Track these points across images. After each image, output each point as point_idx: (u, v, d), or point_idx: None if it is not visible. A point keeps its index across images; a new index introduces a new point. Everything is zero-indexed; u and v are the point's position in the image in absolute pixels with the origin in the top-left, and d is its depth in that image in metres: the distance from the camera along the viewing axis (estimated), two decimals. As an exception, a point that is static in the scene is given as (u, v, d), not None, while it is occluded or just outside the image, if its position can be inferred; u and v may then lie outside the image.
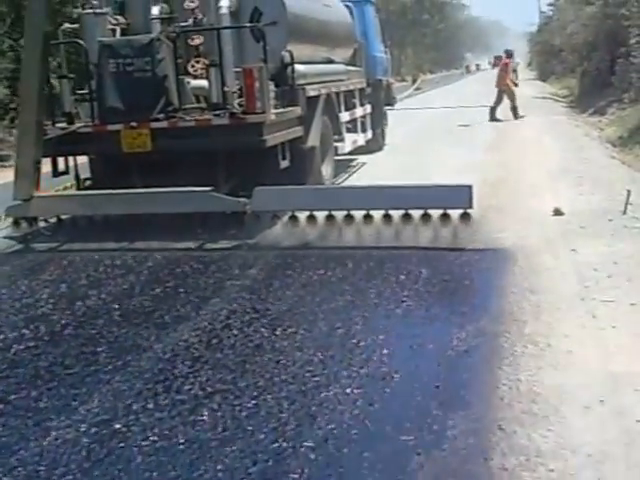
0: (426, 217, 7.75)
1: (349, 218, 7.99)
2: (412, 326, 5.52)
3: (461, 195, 7.54)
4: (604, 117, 21.69)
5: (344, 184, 11.47)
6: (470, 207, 7.57)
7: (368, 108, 13.97)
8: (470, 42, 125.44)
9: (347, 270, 6.85)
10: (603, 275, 6.24)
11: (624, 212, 8.46)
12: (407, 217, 7.80)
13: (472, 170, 11.15)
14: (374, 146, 14.87)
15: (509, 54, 25.05)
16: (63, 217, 8.95)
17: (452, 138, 17.13)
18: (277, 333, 5.28)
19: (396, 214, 7.84)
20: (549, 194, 9.84)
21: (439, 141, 16.48)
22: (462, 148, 14.70)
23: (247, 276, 6.86)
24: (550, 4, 52.90)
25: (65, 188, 9.90)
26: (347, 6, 13.79)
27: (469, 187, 7.52)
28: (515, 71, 56.56)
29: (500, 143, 16.43)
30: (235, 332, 5.34)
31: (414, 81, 48.04)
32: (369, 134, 14.13)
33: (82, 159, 9.64)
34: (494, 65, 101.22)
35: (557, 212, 8.55)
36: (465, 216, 7.65)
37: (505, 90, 22.21)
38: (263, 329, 5.36)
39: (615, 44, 24.95)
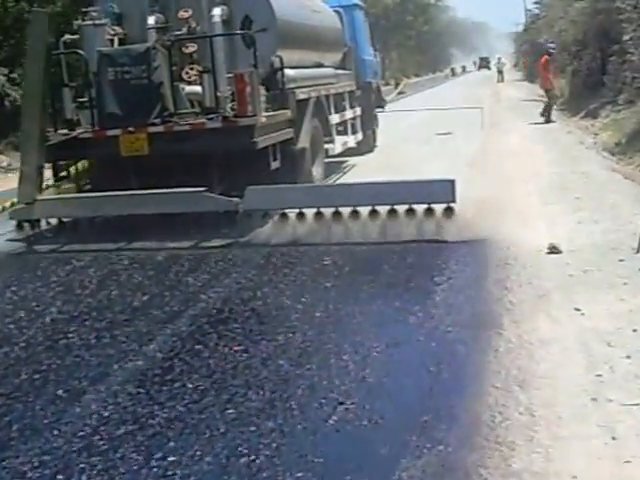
0: (411, 212, 8.16)
1: (337, 215, 8.40)
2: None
3: (444, 189, 7.96)
4: (597, 120, 19.94)
5: (331, 182, 11.80)
6: (453, 201, 7.98)
7: (358, 110, 14.34)
8: (455, 44, 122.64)
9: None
10: (621, 354, 4.60)
11: (638, 250, 6.66)
12: (393, 212, 8.22)
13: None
14: (365, 148, 15.18)
15: (549, 52, 23.44)
16: (64, 219, 9.34)
17: (431, 150, 14.99)
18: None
19: (382, 209, 8.25)
20: (542, 222, 8.24)
21: (416, 154, 14.15)
22: (441, 162, 12.45)
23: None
24: (536, 2, 51.28)
25: (56, 186, 10.15)
26: (337, 11, 14.17)
27: (451, 182, 7.94)
28: (501, 72, 53.97)
29: (484, 155, 14.26)
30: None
31: (397, 85, 47.10)
32: (359, 136, 14.50)
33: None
34: (480, 67, 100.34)
35: (553, 249, 6.94)
36: (448, 210, 8.05)
37: (549, 89, 21.58)
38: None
39: (607, 41, 23.12)
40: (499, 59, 61.33)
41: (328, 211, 8.43)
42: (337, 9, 14.32)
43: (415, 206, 8.17)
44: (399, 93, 40.48)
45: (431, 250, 7.56)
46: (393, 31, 70.13)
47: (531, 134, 17.45)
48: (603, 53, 24.09)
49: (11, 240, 9.00)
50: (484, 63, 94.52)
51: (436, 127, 18.78)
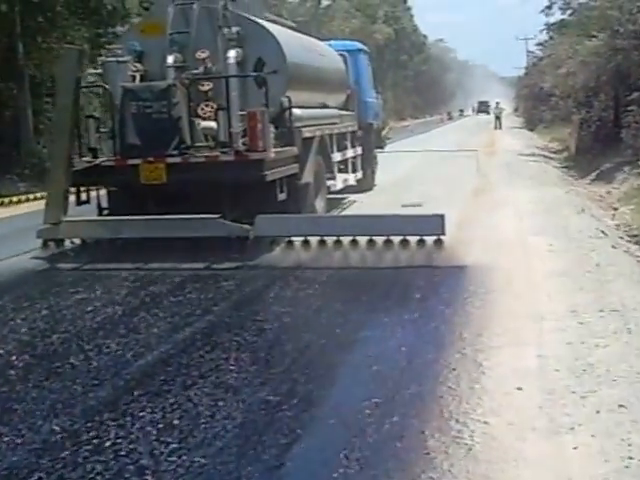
0: (405, 242, 8.93)
1: (338, 243, 9.16)
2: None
3: (434, 224, 8.73)
4: (613, 186, 16.16)
5: (334, 214, 12.55)
6: (443, 234, 8.73)
7: (359, 150, 15.15)
8: (454, 87, 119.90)
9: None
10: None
11: None
12: (389, 242, 8.99)
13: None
14: (365, 186, 15.91)
15: None
16: (87, 240, 10.07)
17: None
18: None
19: (379, 240, 9.03)
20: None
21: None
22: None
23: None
24: (539, 44, 47.57)
25: None
26: (342, 55, 15.02)
27: (441, 216, 8.70)
28: (498, 118, 51.11)
29: (451, 257, 8.76)
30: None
31: (382, 129, 42.74)
32: (359, 174, 15.28)
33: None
34: (478, 111, 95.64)
35: None
36: (438, 241, 8.81)
37: None
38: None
39: (624, 87, 20.21)
40: (497, 104, 58.17)
41: (330, 239, 9.19)
42: (342, 53, 15.17)
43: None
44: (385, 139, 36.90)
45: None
46: (388, 70, 68.44)
47: (530, 211, 12.46)
48: (618, 101, 21.41)
49: (36, 258, 9.65)
50: (483, 107, 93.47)
51: (407, 192, 15.14)
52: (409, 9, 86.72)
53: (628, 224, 11.55)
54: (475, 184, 16.49)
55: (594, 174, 18.73)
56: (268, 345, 6.10)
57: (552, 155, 27.46)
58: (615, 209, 13.40)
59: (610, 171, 17.84)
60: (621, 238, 10.44)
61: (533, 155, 25.26)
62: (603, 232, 10.32)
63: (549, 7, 33.42)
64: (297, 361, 5.70)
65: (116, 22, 21.81)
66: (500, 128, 49.84)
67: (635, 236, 10.47)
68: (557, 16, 33.94)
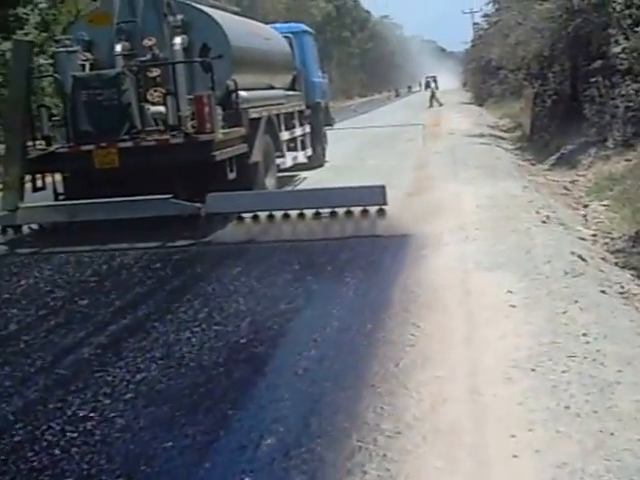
0: (349, 213, 9.45)
1: (286, 217, 9.64)
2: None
3: (376, 194, 9.24)
4: (577, 172, 13.91)
5: (281, 190, 12.94)
6: (385, 204, 9.25)
7: (307, 128, 15.61)
8: (403, 63, 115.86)
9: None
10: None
11: None
12: (334, 214, 9.50)
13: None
14: (315, 163, 16.39)
15: None
16: (44, 225, 10.40)
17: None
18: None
19: (325, 212, 9.54)
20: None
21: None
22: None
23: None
24: (485, 15, 42.66)
25: None
26: (287, 37, 15.42)
27: (382, 187, 9.21)
28: (434, 95, 46.70)
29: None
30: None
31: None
32: (309, 151, 15.77)
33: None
34: (426, 86, 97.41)
35: None
36: (380, 211, 9.34)
37: None
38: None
39: (583, 55, 17.35)
40: (431, 80, 52.91)
41: (278, 214, 9.66)
42: (287, 35, 15.55)
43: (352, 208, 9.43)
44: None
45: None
46: (331, 47, 65.83)
47: (478, 222, 9.16)
48: (576, 71, 18.17)
49: (-6, 244, 9.99)
50: (431, 83, 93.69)
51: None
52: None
53: (607, 232, 9.39)
54: (410, 180, 13.21)
55: (554, 158, 16.21)
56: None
57: (504, 135, 25.05)
58: (585, 206, 11.17)
59: (573, 154, 15.29)
60: (604, 260, 8.06)
61: (482, 136, 22.00)
62: (580, 257, 7.42)
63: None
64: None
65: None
66: (439, 105, 45.12)
67: (621, 252, 8.38)
68: None
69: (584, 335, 5.19)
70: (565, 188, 12.99)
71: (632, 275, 7.43)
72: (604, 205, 10.84)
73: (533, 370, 4.67)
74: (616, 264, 7.97)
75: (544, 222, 9.11)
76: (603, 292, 6.38)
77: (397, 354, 5.21)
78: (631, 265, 7.83)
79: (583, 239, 8.95)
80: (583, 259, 7.42)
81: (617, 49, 14.08)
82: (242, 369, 5.25)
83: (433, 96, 47.21)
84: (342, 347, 5.56)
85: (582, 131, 15.87)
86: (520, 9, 22.11)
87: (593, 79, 15.80)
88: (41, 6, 23.23)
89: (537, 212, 9.66)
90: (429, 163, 16.09)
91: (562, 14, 17.38)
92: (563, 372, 4.61)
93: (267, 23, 16.16)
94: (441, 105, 45.32)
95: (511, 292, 6.27)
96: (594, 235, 9.32)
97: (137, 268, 8.38)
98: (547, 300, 6.05)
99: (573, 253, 7.58)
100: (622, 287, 6.78)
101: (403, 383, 4.73)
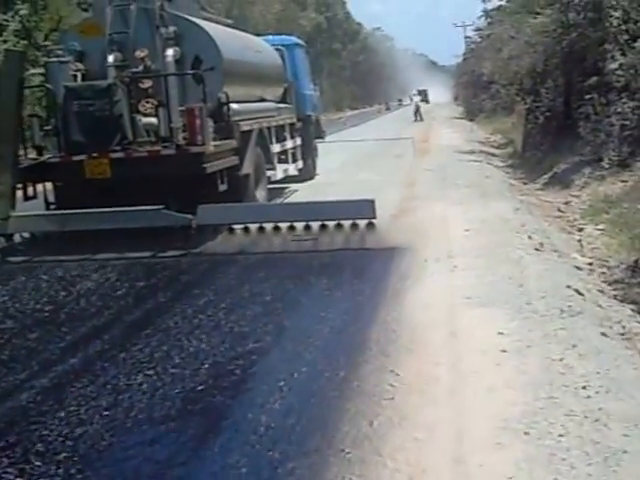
0: (339, 226, 9.52)
1: (277, 229, 9.70)
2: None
3: (366, 208, 9.31)
4: (571, 192, 13.48)
5: (272, 202, 12.99)
6: (374, 217, 9.32)
7: (298, 141, 15.67)
8: (394, 75, 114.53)
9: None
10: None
11: None
12: (324, 227, 9.57)
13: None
14: (306, 175, 16.45)
15: None
16: (37, 234, 10.41)
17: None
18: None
19: (315, 225, 9.59)
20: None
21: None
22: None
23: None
24: (477, 29, 41.03)
25: None
26: (278, 49, 15.50)
27: (372, 201, 9.27)
28: (418, 110, 45.17)
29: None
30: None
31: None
32: (300, 164, 15.83)
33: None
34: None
35: None
36: (370, 225, 9.40)
37: None
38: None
39: (578, 70, 16.79)
40: (417, 94, 50.88)
41: (269, 226, 9.71)
42: (279, 47, 15.64)
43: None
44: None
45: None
46: (321, 59, 63.91)
47: (467, 249, 8.59)
48: (570, 87, 17.67)
49: (-15, 252, 10.01)
50: (421, 96, 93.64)
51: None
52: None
53: (604, 259, 9.03)
54: (397, 200, 12.50)
55: (546, 176, 15.78)
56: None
57: (495, 151, 24.65)
58: (580, 230, 10.71)
59: (566, 173, 14.81)
60: (602, 293, 7.66)
61: (473, 153, 21.36)
62: (577, 291, 6.96)
63: (486, -8, 31.48)
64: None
65: None
66: (420, 119, 44.75)
67: (619, 282, 8.03)
68: (495, 2, 32.61)
69: (584, 388, 4.65)
70: (559, 210, 12.44)
71: (632, 311, 6.97)
72: (600, 229, 10.33)
73: (526, 433, 4.12)
74: (615, 297, 7.51)
75: (537, 250, 8.55)
76: (603, 334, 5.81)
77: (372, 409, 4.64)
78: (630, 298, 7.36)
79: (579, 268, 8.42)
80: (580, 293, 6.91)
81: (613, 65, 13.66)
82: (196, 424, 4.68)
83: (417, 110, 46.26)
84: (310, 399, 4.98)
85: (576, 149, 15.35)
86: (513, 23, 21.67)
87: (588, 96, 15.27)
88: (22, 13, 23.12)
89: (530, 237, 9.15)
90: (417, 181, 15.52)
91: (556, 28, 17.02)
92: (561, 436, 4.07)
93: (257, 34, 16.22)
94: (422, 120, 44.47)
95: (502, 334, 5.71)
96: (590, 263, 8.79)
97: (97, 296, 7.90)
98: (542, 344, 5.48)
99: (569, 287, 7.02)
100: (623, 327, 6.25)
101: (377, 448, 4.17)
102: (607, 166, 13.12)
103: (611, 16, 14.14)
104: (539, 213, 12.00)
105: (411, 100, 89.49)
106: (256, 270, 8.60)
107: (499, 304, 6.46)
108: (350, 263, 8.70)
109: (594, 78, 14.88)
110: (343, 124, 44.23)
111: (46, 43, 20.70)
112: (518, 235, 9.32)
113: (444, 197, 12.43)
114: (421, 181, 15.45)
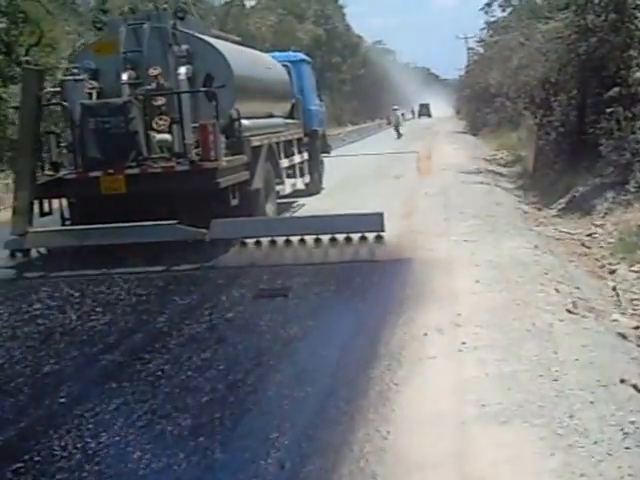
0: (348, 239, 9.76)
1: (287, 242, 9.94)
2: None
3: (374, 221, 9.55)
4: (594, 221, 11.66)
5: (283, 216, 13.24)
6: (382, 230, 9.55)
7: (305, 155, 15.93)
8: (395, 90, 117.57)
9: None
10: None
11: None
12: (334, 240, 9.79)
13: None
14: (313, 189, 16.72)
15: None
16: (53, 249, 10.62)
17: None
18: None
19: (325, 238, 9.81)
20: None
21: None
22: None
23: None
24: (480, 40, 40.36)
25: None
26: (285, 66, 15.78)
27: (381, 214, 9.51)
28: (397, 128, 42.53)
29: None
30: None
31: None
32: (307, 178, 16.10)
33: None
34: (419, 114, 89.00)
35: None
36: (379, 238, 9.63)
37: None
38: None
39: (596, 80, 14.77)
40: (397, 109, 47.54)
41: (280, 239, 9.95)
42: (286, 64, 15.92)
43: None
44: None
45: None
46: (320, 73, 63.20)
47: (477, 313, 6.77)
48: (584, 100, 15.71)
49: (3, 267, 10.20)
50: (424, 110, 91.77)
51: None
52: (341, 7, 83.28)
53: None
54: (392, 235, 9.85)
55: (563, 201, 13.78)
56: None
57: (502, 170, 22.36)
58: (612, 272, 8.89)
59: (585, 197, 12.87)
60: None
61: (479, 172, 19.44)
62: (636, 388, 4.93)
63: (489, 4, 32.52)
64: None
65: None
66: (398, 136, 42.40)
67: None
68: (497, 14, 32.76)
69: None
70: (583, 245, 10.53)
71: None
72: (636, 272, 8.53)
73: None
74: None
75: (570, 312, 6.69)
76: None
77: None
78: None
79: (625, 337, 6.37)
80: (638, 389, 4.92)
81: (639, 74, 11.98)
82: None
83: (397, 127, 44.06)
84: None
85: (596, 170, 13.35)
86: (522, 29, 19.86)
87: (609, 109, 13.19)
88: (1, 26, 23.08)
89: (557, 290, 7.39)
90: (417, 209, 13.53)
91: (572, 33, 15.04)
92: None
93: (252, 46, 16.55)
94: (400, 136, 42.41)
95: None
96: (637, 327, 6.78)
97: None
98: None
99: (624, 381, 5.03)
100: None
101: None
102: (633, 189, 11.44)
103: (636, 18, 12.75)
104: (561, 250, 10.23)
105: (413, 114, 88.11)
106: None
107: (529, 419, 4.51)
108: (327, 346, 6.65)
109: (616, 89, 13.12)
110: (342, 140, 42.01)
111: (27, 58, 20.76)
112: (542, 288, 7.49)
113: (448, 231, 10.89)
114: (422, 209, 13.58)
